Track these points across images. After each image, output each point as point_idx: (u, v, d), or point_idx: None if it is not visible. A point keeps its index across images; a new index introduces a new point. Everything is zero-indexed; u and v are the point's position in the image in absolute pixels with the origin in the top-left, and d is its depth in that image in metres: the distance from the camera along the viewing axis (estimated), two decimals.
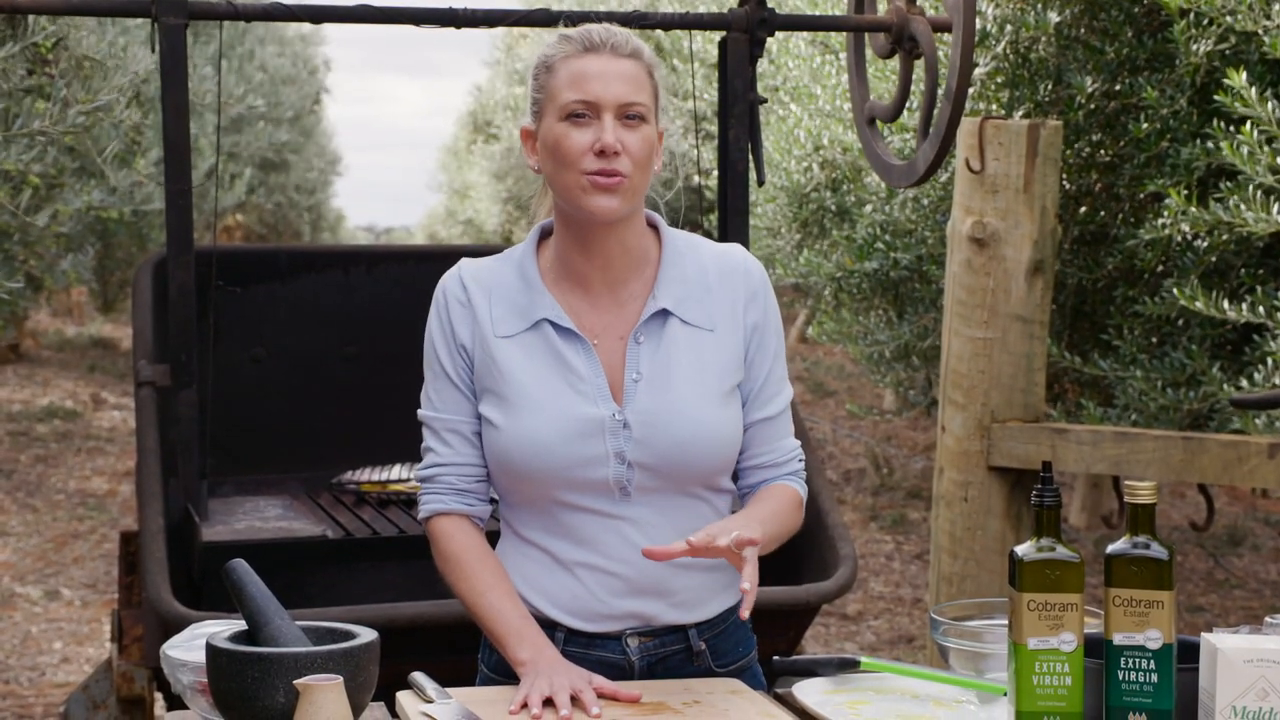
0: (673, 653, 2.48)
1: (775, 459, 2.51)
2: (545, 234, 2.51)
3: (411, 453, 4.61)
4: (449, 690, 2.30)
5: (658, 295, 2.43)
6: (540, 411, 2.39)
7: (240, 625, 2.19)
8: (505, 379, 2.41)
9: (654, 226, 2.51)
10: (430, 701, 2.25)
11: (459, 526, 2.48)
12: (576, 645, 2.45)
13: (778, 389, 2.50)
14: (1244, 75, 4.25)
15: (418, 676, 2.32)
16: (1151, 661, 2.04)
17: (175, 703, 3.43)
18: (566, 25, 2.47)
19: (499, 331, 2.43)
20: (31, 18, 4.44)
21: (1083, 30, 5.09)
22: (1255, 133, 4.25)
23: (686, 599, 2.46)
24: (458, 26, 4.00)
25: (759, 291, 2.48)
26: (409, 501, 4.41)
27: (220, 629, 2.22)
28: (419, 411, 2.51)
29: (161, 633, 3.46)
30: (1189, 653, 2.09)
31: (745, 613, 2.23)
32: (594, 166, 2.35)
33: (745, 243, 4.20)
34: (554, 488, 2.41)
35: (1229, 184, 4.42)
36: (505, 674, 2.48)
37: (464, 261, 2.51)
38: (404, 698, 2.29)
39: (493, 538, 2.54)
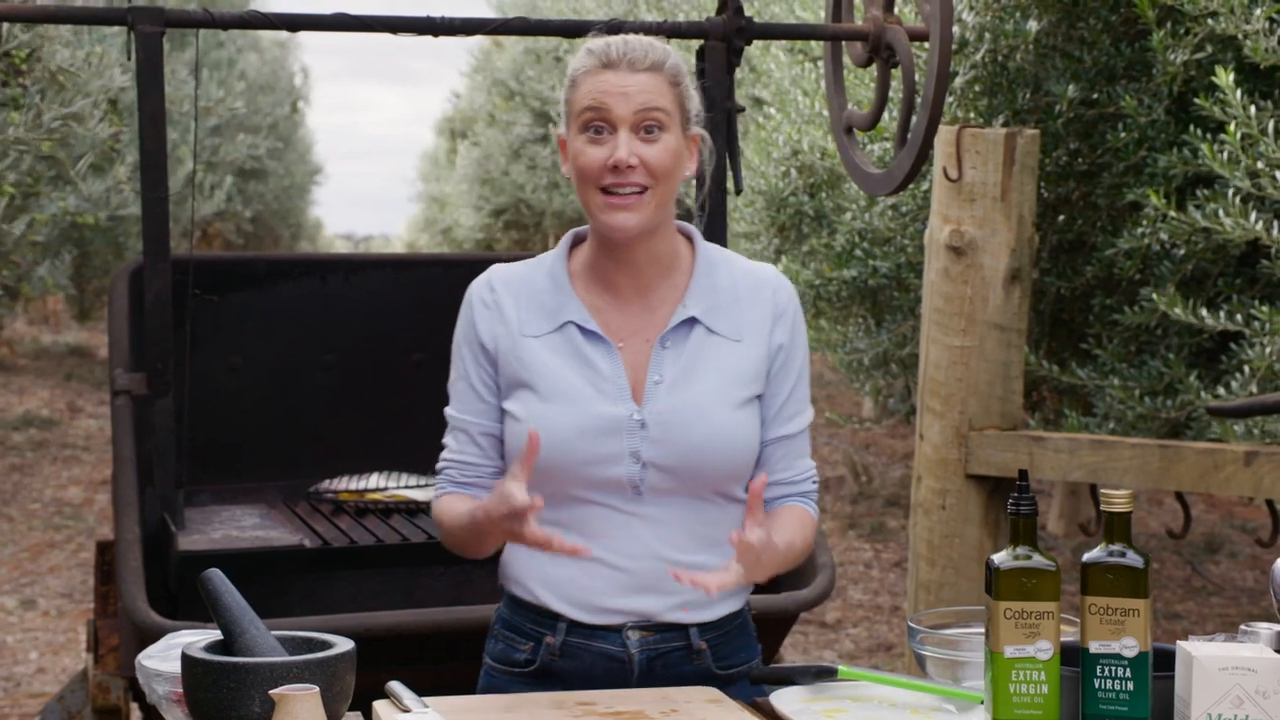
0: (673, 649, 2.49)
1: (790, 477, 2.53)
2: (578, 240, 2.55)
3: (388, 461, 4.62)
4: (426, 699, 2.30)
5: (688, 303, 2.47)
6: (560, 406, 2.43)
7: (216, 635, 2.18)
8: (530, 373, 2.46)
9: (688, 236, 2.55)
10: (407, 711, 2.24)
11: (453, 497, 2.54)
12: (577, 636, 2.47)
13: (798, 409, 2.53)
14: (1231, 75, 4.26)
15: (395, 686, 2.32)
16: (1127, 669, 2.04)
17: (151, 713, 3.42)
18: (597, 34, 2.51)
19: (526, 331, 2.47)
20: (5, 29, 4.43)
21: (1061, 38, 5.10)
22: (1239, 135, 4.25)
23: (689, 599, 2.48)
24: (435, 35, 4.00)
25: (787, 311, 2.52)
26: (386, 510, 4.41)
27: (196, 639, 2.20)
28: (451, 411, 2.57)
29: (137, 642, 3.44)
30: (1165, 661, 2.10)
31: (712, 586, 2.29)
32: (609, 181, 2.39)
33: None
34: (569, 483, 2.44)
35: (1206, 191, 4.44)
36: (508, 663, 2.53)
37: (495, 266, 2.56)
38: (380, 707, 2.29)
39: None
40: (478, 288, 2.53)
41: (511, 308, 2.49)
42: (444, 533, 2.55)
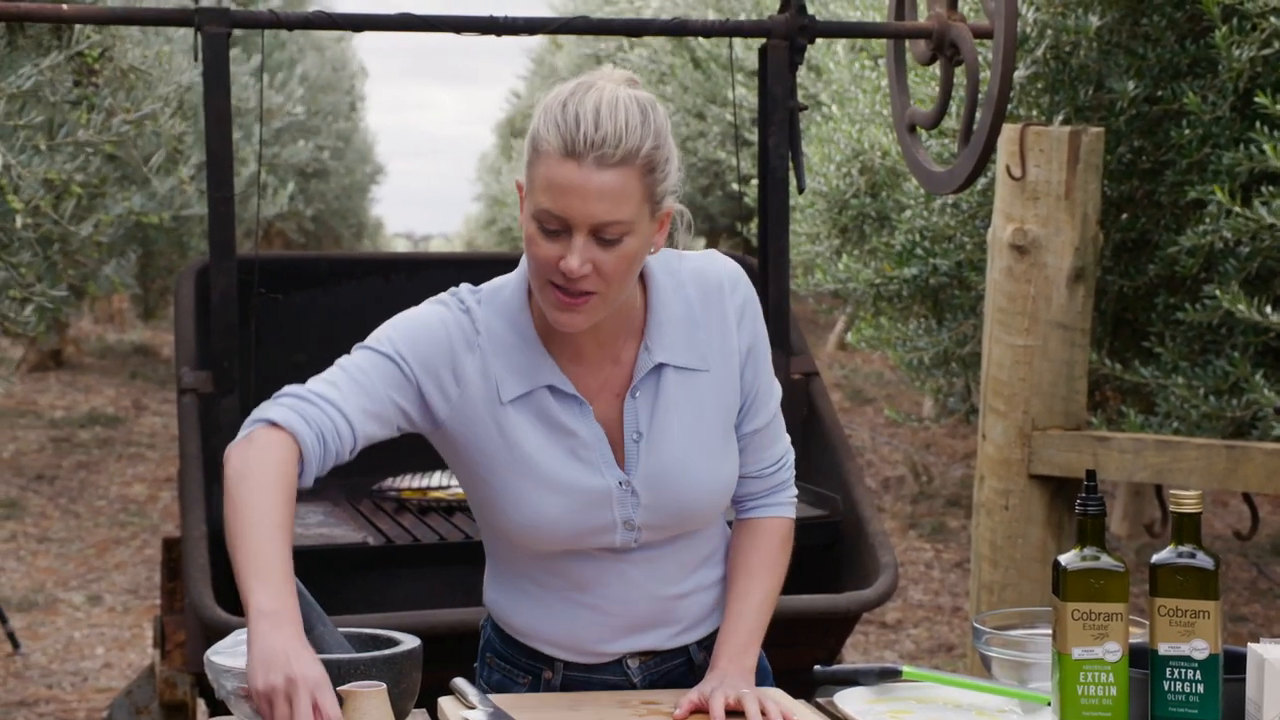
0: (673, 667, 2.46)
1: (762, 469, 2.44)
2: None
3: None
4: (491, 696, 2.31)
5: (651, 348, 2.31)
6: (546, 485, 2.28)
7: None
8: (510, 446, 2.28)
9: None
10: (472, 708, 2.25)
11: (288, 448, 2.15)
12: (577, 672, 2.42)
13: (768, 397, 2.41)
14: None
15: (460, 682, 2.33)
16: (1197, 672, 2.03)
17: (218, 709, 3.45)
18: (571, 97, 2.15)
19: (505, 396, 2.27)
20: (77, 28, 4.48)
21: (1124, 35, 5.06)
22: None
23: (687, 624, 2.44)
24: (498, 34, 4.01)
25: (745, 308, 2.36)
26: (449, 508, 4.42)
27: None
28: (341, 358, 2.28)
29: (204, 638, 3.47)
30: (1235, 663, 2.08)
31: None
32: (560, 281, 2.16)
33: (785, 250, 4.20)
34: (553, 550, 2.35)
35: (1271, 189, 4.40)
36: (507, 693, 2.45)
37: (470, 304, 2.30)
38: (446, 704, 2.30)
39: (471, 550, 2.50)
40: (465, 325, 2.28)
41: (494, 366, 2.27)
42: (248, 472, 2.10)
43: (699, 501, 2.34)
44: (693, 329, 2.33)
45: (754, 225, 7.13)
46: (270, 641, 1.97)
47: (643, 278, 2.33)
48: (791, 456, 2.50)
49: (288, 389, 2.21)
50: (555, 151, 2.13)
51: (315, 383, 2.22)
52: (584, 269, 2.14)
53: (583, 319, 2.20)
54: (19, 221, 3.95)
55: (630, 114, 2.14)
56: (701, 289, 2.34)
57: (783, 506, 2.47)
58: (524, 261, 2.28)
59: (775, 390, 2.43)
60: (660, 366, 2.31)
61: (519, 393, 2.27)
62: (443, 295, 2.33)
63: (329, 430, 2.18)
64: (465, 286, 2.33)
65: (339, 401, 2.20)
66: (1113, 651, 2.04)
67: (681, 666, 2.46)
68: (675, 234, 2.33)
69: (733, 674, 2.32)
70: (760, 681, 2.50)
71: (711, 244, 15.53)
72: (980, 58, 4.20)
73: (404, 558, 3.98)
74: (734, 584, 2.43)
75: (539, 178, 2.16)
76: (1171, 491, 2.07)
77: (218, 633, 3.20)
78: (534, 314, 2.30)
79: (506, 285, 2.32)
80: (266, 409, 2.18)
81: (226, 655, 2.26)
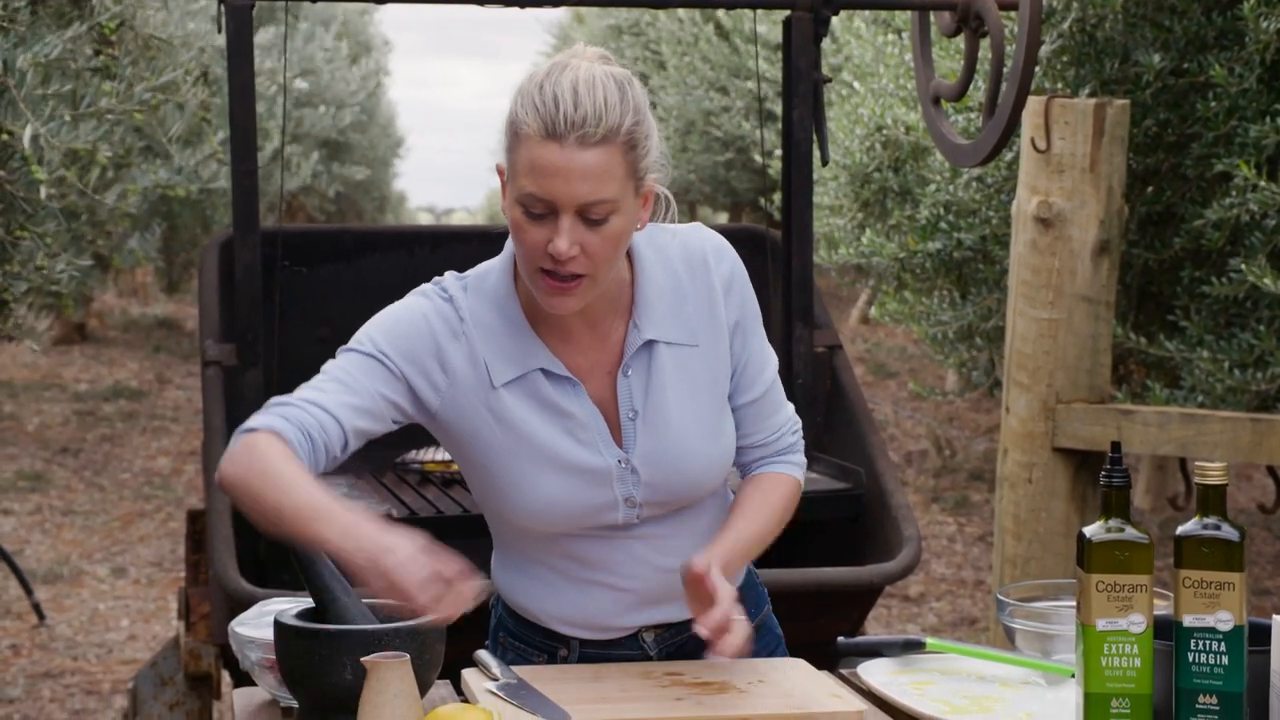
0: (689, 639, 2.44)
1: (765, 438, 2.43)
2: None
3: None
4: (514, 668, 2.31)
5: (640, 325, 2.30)
6: (546, 466, 2.29)
7: (308, 603, 2.20)
8: (507, 431, 2.28)
9: None
10: (495, 679, 2.26)
11: (277, 443, 2.16)
12: (593, 648, 2.42)
13: (761, 367, 2.39)
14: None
15: (483, 654, 2.33)
16: (1222, 643, 2.02)
17: (243, 679, 3.47)
18: (549, 75, 2.16)
19: (496, 380, 2.27)
20: (98, 0, 4.49)
21: (1150, 7, 5.03)
22: None
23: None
24: (521, 6, 4.01)
25: (731, 280, 2.34)
26: None
27: (288, 606, 2.23)
28: (328, 363, 2.27)
29: (228, 610, 3.49)
30: (1259, 635, 2.08)
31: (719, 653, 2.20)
32: (548, 265, 2.17)
33: (809, 223, 4.19)
34: (558, 532, 2.35)
35: None
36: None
37: (454, 292, 2.32)
38: (469, 675, 2.30)
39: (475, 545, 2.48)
40: (447, 314, 2.29)
41: (482, 352, 2.27)
42: (257, 466, 2.12)
43: (698, 476, 2.34)
44: (680, 304, 2.32)
45: (778, 199, 7.13)
46: (377, 541, 2.08)
47: (629, 254, 2.32)
48: (798, 424, 2.48)
49: (271, 400, 2.24)
50: (536, 134, 2.13)
51: (298, 390, 2.24)
52: (572, 250, 2.14)
53: (574, 301, 2.20)
54: (43, 192, 3.96)
55: (608, 91, 2.15)
56: (688, 263, 2.34)
57: (791, 466, 2.45)
58: (509, 245, 2.29)
59: (770, 360, 2.42)
60: (650, 343, 2.31)
61: (511, 377, 2.27)
62: (425, 286, 2.34)
63: (313, 426, 2.19)
64: (450, 274, 2.34)
65: (321, 400, 2.22)
66: (1137, 623, 2.03)
67: (697, 637, 2.46)
68: (658, 210, 2.31)
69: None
70: (774, 650, 2.52)
71: (735, 218, 15.52)
72: (1006, 30, 4.18)
73: (427, 530, 3.98)
74: (731, 517, 2.39)
75: (521, 161, 2.15)
76: (1197, 463, 2.06)
77: (242, 604, 3.21)
78: (521, 297, 2.30)
79: (492, 271, 2.33)
80: (247, 422, 2.20)
81: (251, 626, 2.27)
